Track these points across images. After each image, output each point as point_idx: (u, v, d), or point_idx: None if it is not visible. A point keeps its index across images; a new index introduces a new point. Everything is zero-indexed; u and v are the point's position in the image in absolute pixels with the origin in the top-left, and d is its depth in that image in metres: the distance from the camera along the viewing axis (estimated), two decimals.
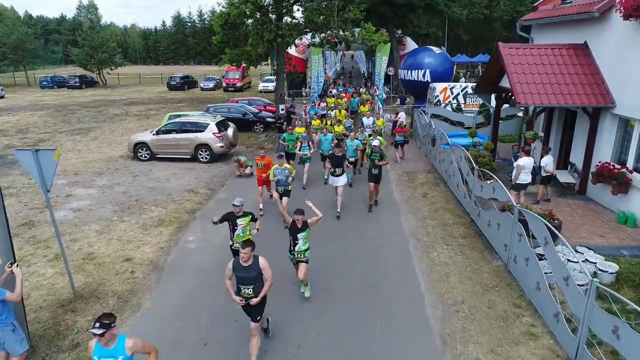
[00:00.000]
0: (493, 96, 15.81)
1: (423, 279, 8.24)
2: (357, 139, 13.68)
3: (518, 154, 10.79)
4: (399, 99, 26.91)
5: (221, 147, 16.52)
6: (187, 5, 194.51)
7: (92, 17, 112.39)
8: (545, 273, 6.75)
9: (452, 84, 22.31)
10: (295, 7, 19.53)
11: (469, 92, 21.01)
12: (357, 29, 19.99)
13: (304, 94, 35.48)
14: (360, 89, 27.61)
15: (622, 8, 9.34)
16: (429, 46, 27.81)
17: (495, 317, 6.99)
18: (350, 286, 7.93)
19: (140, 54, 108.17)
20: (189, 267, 8.78)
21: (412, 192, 13.17)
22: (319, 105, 21.88)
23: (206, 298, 7.58)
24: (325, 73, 37.31)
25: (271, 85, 41.25)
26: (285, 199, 10.22)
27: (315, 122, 16.72)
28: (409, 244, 9.74)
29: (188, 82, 46.09)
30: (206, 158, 16.57)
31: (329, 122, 17.85)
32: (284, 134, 14.40)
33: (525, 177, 10.13)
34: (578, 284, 5.89)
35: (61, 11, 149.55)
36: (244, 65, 25.49)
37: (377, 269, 8.61)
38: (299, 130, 14.48)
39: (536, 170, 11.00)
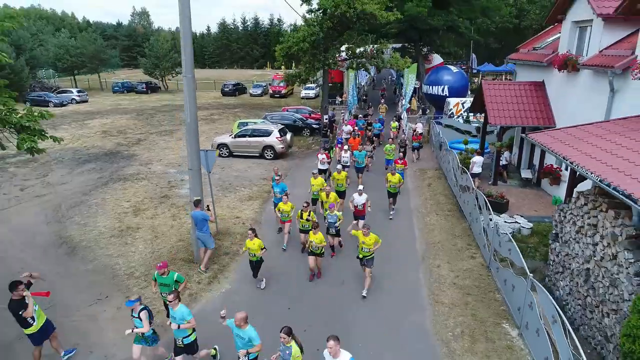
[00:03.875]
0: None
1: (417, 232, 13.63)
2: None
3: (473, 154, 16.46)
4: (420, 110, 32.05)
5: (282, 148, 22.29)
6: (231, 12, 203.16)
7: (144, 24, 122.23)
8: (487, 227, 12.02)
9: (463, 99, 27.28)
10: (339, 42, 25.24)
11: None
12: (387, 56, 25.31)
13: (337, 101, 41.09)
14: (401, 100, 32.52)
15: (556, 64, 14.38)
16: (448, 65, 32.75)
17: (455, 250, 12.32)
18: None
19: None
20: (273, 222, 14.42)
21: (421, 183, 18.48)
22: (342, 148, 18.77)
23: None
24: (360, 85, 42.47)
25: (312, 93, 47.08)
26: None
27: (339, 176, 14.43)
28: (412, 214, 15.11)
29: (239, 89, 52.47)
30: (270, 156, 22.36)
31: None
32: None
33: (477, 169, 15.73)
34: (503, 233, 11.12)
35: (117, 18, 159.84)
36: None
37: (389, 227, 14.02)
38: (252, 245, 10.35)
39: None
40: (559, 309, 6.78)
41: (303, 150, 24.73)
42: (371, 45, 24.87)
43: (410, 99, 34.13)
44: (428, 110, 31.82)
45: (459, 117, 26.23)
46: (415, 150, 21.80)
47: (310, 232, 10.44)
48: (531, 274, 8.13)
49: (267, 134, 22.47)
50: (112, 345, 8.54)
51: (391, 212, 14.75)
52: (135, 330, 7.18)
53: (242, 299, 9.97)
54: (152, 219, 14.77)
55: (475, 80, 49.75)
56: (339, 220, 11.50)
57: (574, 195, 8.95)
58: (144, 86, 54.04)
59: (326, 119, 26.11)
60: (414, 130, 23.16)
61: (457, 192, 15.91)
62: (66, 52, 54.49)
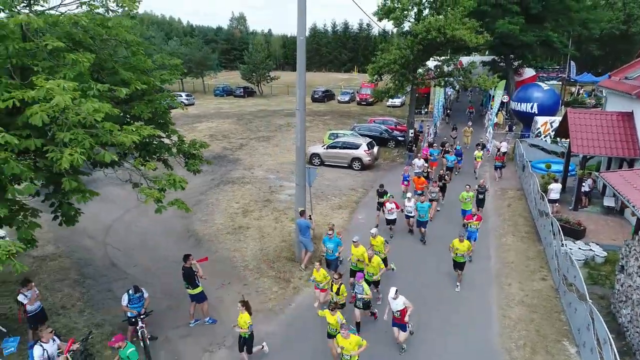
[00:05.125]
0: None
1: (493, 251, 14.87)
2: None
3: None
4: (507, 126, 32.21)
5: (369, 160, 24.27)
6: (322, 18, 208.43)
7: (241, 28, 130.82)
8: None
9: (552, 118, 27.26)
10: (429, 61, 26.67)
11: None
12: (474, 76, 26.18)
13: (423, 112, 42.07)
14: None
15: None
16: (539, 82, 32.51)
17: (527, 271, 13.46)
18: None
19: (279, 61, 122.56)
20: (361, 230, 16.40)
21: (501, 203, 19.43)
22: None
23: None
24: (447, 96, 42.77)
25: (397, 101, 48.45)
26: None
27: (374, 242, 12.36)
28: (489, 234, 16.30)
29: (328, 95, 55.30)
30: (358, 167, 24.42)
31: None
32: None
33: (554, 196, 16.52)
34: (577, 259, 12.13)
35: (218, 23, 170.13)
36: (375, 82, 32.58)
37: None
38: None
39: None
40: (608, 333, 8.03)
41: (388, 163, 26.49)
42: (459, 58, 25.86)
43: (497, 113, 34.28)
44: (515, 127, 31.91)
45: (546, 136, 26.33)
46: (498, 169, 22.57)
47: (328, 313, 8.88)
48: (590, 300, 9.32)
49: (356, 146, 24.57)
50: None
51: (457, 284, 12.58)
52: None
53: None
54: (258, 220, 17.51)
55: (573, 90, 47.71)
56: (367, 293, 10.09)
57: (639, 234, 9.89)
58: (242, 90, 58.88)
59: (412, 133, 27.58)
60: (498, 150, 23.87)
61: (536, 215, 16.78)
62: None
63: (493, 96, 31.19)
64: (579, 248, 13.80)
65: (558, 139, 25.02)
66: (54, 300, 12.08)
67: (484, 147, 23.55)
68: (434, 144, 25.19)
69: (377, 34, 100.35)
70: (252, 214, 18.20)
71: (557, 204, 16.67)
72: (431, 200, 16.78)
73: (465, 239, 12.20)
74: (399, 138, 30.00)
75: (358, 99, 52.04)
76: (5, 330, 10.16)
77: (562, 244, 12.45)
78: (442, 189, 18.37)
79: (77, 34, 7.23)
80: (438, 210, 18.07)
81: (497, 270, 13.61)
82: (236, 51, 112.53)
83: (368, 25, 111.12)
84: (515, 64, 36.73)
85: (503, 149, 23.54)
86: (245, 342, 9.26)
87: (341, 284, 10.11)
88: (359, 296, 10.09)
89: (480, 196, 17.06)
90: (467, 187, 16.01)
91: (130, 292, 9.89)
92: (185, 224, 17.21)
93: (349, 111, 47.36)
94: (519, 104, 31.02)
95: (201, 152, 10.66)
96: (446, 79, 26.45)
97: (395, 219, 15.44)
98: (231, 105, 51.31)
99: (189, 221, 17.36)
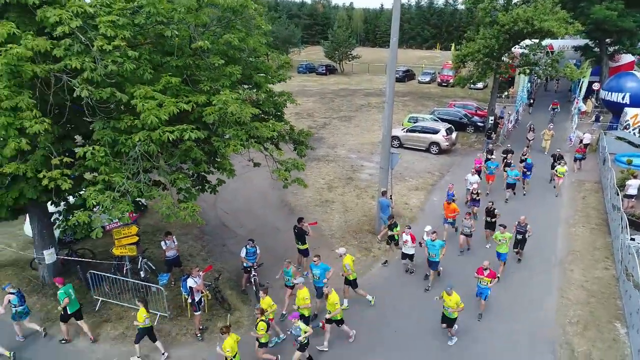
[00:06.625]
0: None
1: (560, 240, 15.93)
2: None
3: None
4: (594, 116, 31.33)
5: (447, 145, 25.48)
6: None
7: (324, 2, 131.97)
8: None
9: None
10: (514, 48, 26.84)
11: None
12: (560, 66, 25.94)
13: (505, 94, 41.23)
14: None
15: None
16: (634, 71, 30.96)
17: (592, 260, 14.49)
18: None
19: (360, 36, 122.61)
20: (435, 212, 18.01)
21: (576, 195, 20.00)
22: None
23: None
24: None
25: (480, 84, 47.79)
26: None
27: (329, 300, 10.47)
28: (559, 224, 17.23)
29: (408, 75, 55.79)
30: (435, 151, 25.73)
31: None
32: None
33: (632, 191, 16.91)
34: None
35: None
36: (457, 70, 32.98)
37: (538, 231, 16.54)
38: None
39: None
40: None
41: (465, 148, 27.44)
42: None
43: (585, 99, 33.21)
44: (602, 117, 30.98)
45: (635, 129, 25.70)
46: (577, 161, 22.77)
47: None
48: None
49: (435, 131, 25.82)
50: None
51: (450, 342, 10.90)
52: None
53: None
54: (342, 196, 19.78)
55: None
56: (304, 333, 9.25)
57: None
58: (324, 68, 61.01)
59: (491, 120, 28.13)
60: (581, 141, 23.95)
61: (609, 208, 17.37)
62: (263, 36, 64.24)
63: (582, 81, 30.41)
64: None
65: None
66: (182, 249, 15.27)
67: (561, 158, 19.87)
68: (493, 152, 21.71)
69: (463, 10, 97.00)
70: (336, 189, 20.50)
71: (633, 200, 17.12)
72: (465, 236, 14.63)
73: (455, 294, 10.26)
74: (478, 124, 30.55)
75: (439, 80, 52.05)
76: (154, 268, 13.41)
77: (631, 238, 13.35)
78: (490, 226, 14.96)
79: (228, 51, 9.68)
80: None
81: (562, 257, 14.77)
82: (319, 26, 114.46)
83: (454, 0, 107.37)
84: (611, 49, 35.00)
85: (586, 140, 23.61)
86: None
87: (260, 320, 9.43)
88: (298, 339, 9.25)
89: (519, 236, 13.96)
90: (502, 228, 13.21)
91: (248, 246, 12.59)
92: (280, 195, 19.90)
93: (429, 92, 47.77)
94: (610, 93, 30.03)
95: (307, 139, 12.95)
96: (531, 67, 26.50)
97: (414, 254, 13.41)
98: (314, 83, 53.69)
99: (282, 193, 20.00)
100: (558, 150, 21.08)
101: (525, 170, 19.58)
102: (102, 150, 8.09)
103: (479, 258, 13.43)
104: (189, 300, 11.11)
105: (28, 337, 10.97)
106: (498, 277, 11.71)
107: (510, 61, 27.13)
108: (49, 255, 12.41)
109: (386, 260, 14.53)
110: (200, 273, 11.12)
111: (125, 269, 12.51)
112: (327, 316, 10.44)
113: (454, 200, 15.90)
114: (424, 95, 45.86)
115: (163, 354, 10.40)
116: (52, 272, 12.54)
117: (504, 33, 23.78)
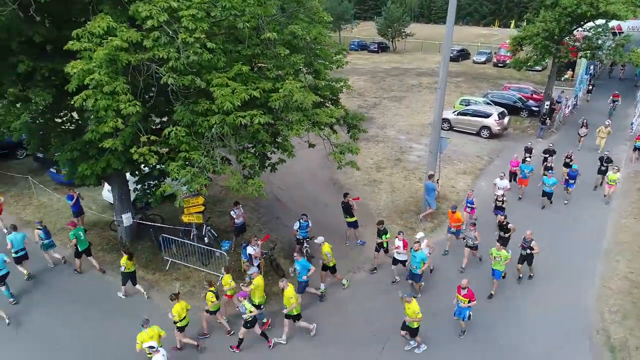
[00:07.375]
0: None
1: (608, 230, 15.92)
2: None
3: None
4: None
5: (498, 129, 25.33)
6: None
7: None
8: None
9: None
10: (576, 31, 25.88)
11: None
12: (626, 50, 24.76)
13: (564, 77, 39.34)
14: None
15: None
16: None
17: (639, 252, 14.48)
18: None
19: (413, 12, 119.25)
20: (480, 197, 18.34)
21: (631, 186, 19.57)
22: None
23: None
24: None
25: (537, 66, 46.01)
26: None
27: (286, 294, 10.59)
28: (609, 214, 17.11)
29: (462, 55, 54.41)
30: (486, 135, 25.64)
31: None
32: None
33: None
34: None
35: None
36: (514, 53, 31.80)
37: (579, 221, 16.55)
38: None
39: None
40: None
41: (518, 133, 27.07)
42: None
43: None
44: None
45: None
46: (637, 151, 22.06)
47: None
48: None
49: (487, 115, 25.67)
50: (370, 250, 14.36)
51: (410, 345, 10.68)
52: None
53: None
54: (390, 177, 20.44)
55: None
56: (249, 312, 9.95)
57: None
58: (376, 46, 60.59)
59: (547, 105, 27.48)
60: None
61: None
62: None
63: None
64: None
65: None
66: None
67: (610, 161, 18.18)
68: (531, 152, 19.48)
69: None
70: (384, 170, 21.17)
71: None
72: (470, 248, 13.42)
73: (414, 301, 9.88)
74: (533, 108, 29.86)
75: (495, 60, 50.46)
76: (217, 235, 14.83)
77: None
78: (504, 241, 13.16)
79: (292, 41, 10.53)
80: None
81: (608, 248, 14.85)
82: (371, 1, 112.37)
83: None
84: None
85: None
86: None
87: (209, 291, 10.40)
88: (243, 316, 10.04)
89: (524, 252, 12.71)
90: (498, 245, 12.30)
91: (302, 220, 13.68)
92: (329, 173, 20.85)
93: (484, 73, 46.55)
94: None
95: (361, 123, 13.71)
96: (594, 52, 25.52)
97: (406, 260, 12.62)
98: (365, 61, 53.57)
99: (332, 171, 20.94)
100: (606, 152, 19.23)
101: (568, 178, 17.45)
102: (183, 131, 9.28)
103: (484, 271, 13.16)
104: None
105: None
106: (474, 301, 10.46)
107: (573, 44, 26.18)
108: (127, 219, 14.08)
109: (375, 268, 13.92)
110: (259, 242, 12.32)
111: (192, 234, 13.97)
112: (284, 311, 10.56)
113: (473, 209, 15.34)
114: (479, 76, 44.78)
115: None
116: (129, 234, 14.24)
117: (565, 16, 23.02)
